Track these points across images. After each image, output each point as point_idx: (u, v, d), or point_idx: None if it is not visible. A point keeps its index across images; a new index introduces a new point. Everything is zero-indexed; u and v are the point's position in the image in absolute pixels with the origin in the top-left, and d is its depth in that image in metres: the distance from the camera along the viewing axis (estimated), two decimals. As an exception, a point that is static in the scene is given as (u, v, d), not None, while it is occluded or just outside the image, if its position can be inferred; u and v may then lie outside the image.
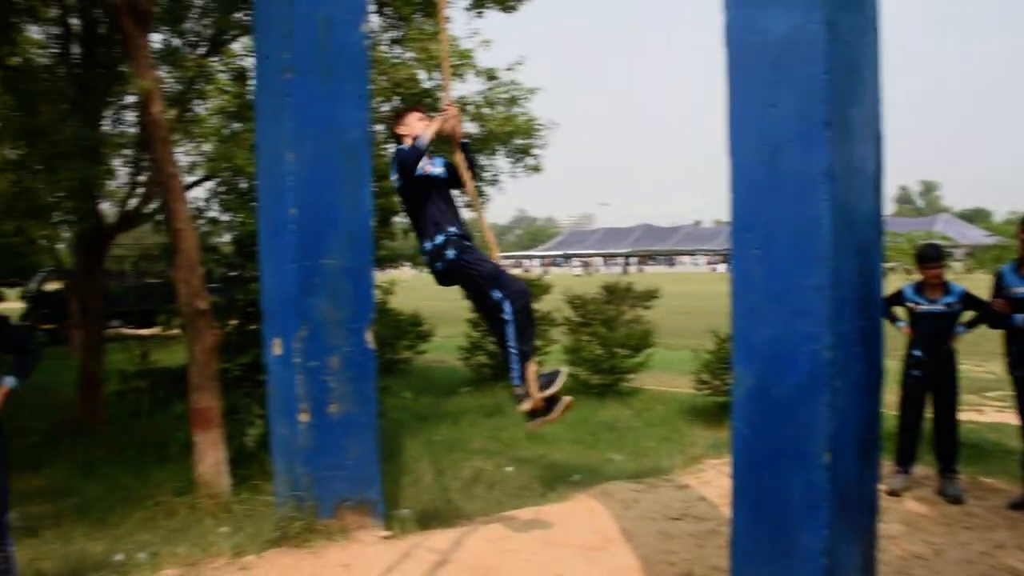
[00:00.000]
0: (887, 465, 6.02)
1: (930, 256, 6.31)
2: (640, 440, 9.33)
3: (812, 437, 3.01)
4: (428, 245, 4.39)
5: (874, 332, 3.26)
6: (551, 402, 4.38)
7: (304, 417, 4.90)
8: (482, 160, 11.44)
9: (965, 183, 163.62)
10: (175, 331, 11.94)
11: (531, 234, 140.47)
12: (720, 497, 5.74)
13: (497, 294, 4.29)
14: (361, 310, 5.06)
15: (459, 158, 4.43)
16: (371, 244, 5.19)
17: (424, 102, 9.12)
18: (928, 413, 6.37)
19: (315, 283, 4.88)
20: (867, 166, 3.19)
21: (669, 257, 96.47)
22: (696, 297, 31.55)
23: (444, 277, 4.46)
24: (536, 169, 11.86)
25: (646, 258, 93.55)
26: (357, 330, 5.04)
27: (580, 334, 12.51)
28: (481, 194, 4.82)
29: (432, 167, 4.49)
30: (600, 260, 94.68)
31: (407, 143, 4.45)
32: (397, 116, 4.72)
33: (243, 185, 9.20)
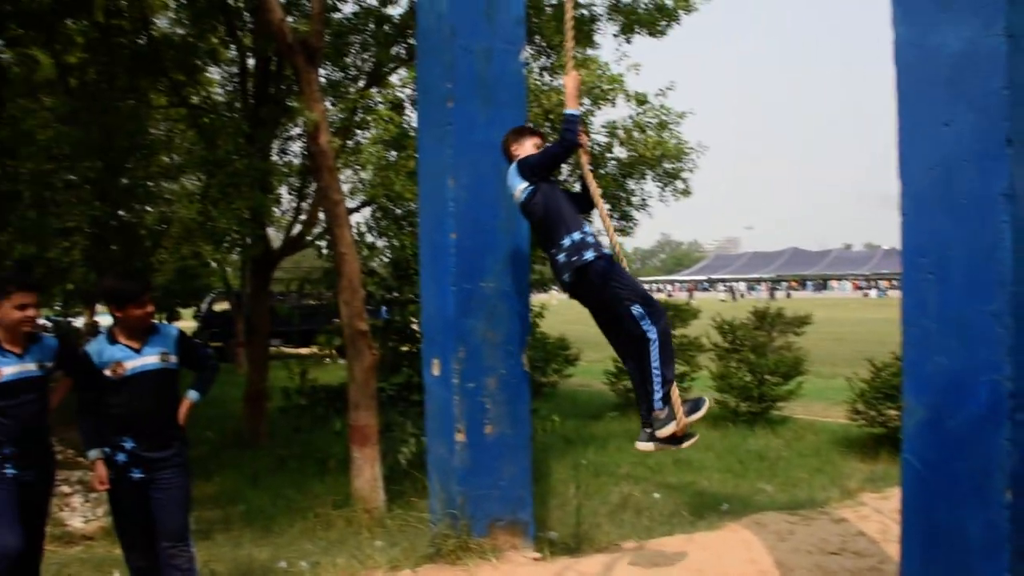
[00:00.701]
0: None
1: None
2: (791, 470, 9.05)
3: (991, 473, 2.83)
4: (566, 242, 4.20)
5: (1060, 362, 3.07)
6: (684, 434, 4.20)
7: (460, 437, 5.01)
8: (631, 185, 11.48)
9: None
10: (331, 351, 12.55)
11: (675, 258, 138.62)
12: (880, 533, 5.49)
13: (638, 310, 4.07)
14: (517, 332, 5.15)
15: (584, 159, 4.42)
16: (527, 268, 5.29)
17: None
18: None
19: (473, 305, 5.01)
20: (1052, 185, 3.02)
21: (820, 282, 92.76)
22: (848, 324, 30.25)
23: (576, 287, 4.25)
24: (686, 193, 11.81)
25: (796, 283, 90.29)
26: (513, 352, 5.13)
27: (728, 360, 12.28)
28: (612, 215, 4.74)
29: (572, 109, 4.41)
30: (744, 285, 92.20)
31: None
32: (515, 134, 4.68)
33: (399, 211, 9.59)
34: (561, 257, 4.25)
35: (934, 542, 3.06)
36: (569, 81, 4.46)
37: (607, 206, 11.77)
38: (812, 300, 59.69)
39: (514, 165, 4.49)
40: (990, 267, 2.82)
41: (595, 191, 4.48)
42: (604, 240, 4.51)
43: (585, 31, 11.26)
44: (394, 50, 10.98)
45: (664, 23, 11.55)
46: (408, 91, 10.78)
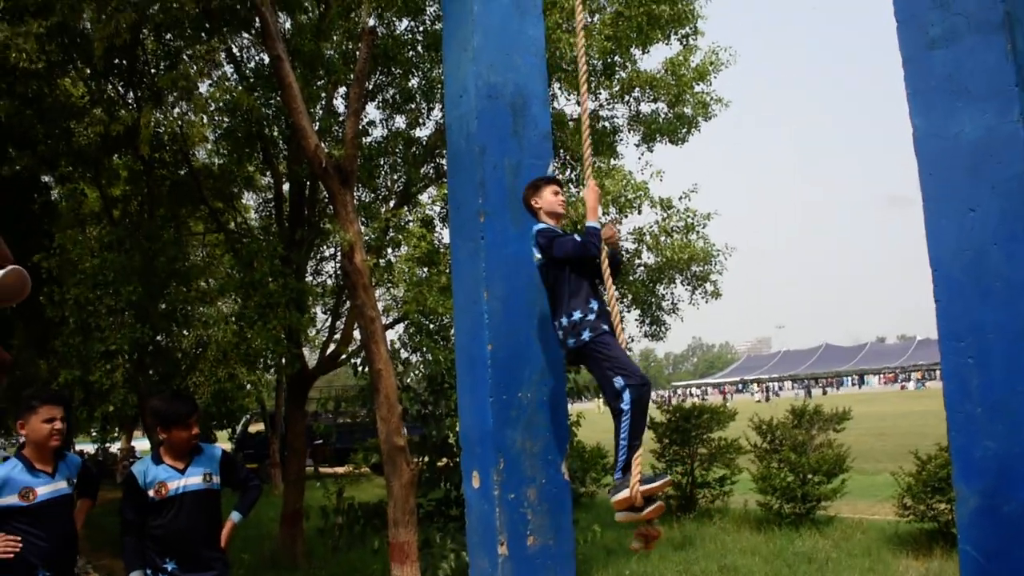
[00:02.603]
0: None
1: None
2: (841, 572, 8.76)
3: (1054, 558, 2.79)
4: (564, 321, 4.38)
5: (1112, 442, 3.04)
6: (648, 501, 4.25)
7: (503, 549, 4.95)
8: (661, 290, 11.59)
9: None
10: (366, 469, 12.48)
11: (707, 361, 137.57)
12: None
13: (620, 381, 4.16)
14: (557, 442, 5.15)
15: (605, 265, 4.45)
16: (563, 377, 5.33)
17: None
18: None
19: (511, 416, 5.03)
20: (1081, 264, 3.06)
21: (857, 376, 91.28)
22: (889, 417, 29.67)
23: (572, 356, 4.47)
24: (716, 295, 11.88)
25: (832, 380, 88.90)
26: (553, 462, 5.11)
27: (769, 461, 12.06)
28: (618, 287, 4.78)
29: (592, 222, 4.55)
30: (777, 384, 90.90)
31: (543, 218, 4.62)
32: (532, 187, 4.80)
33: (433, 325, 9.71)
34: (560, 334, 4.47)
35: (1000, 636, 2.97)
36: (589, 194, 4.62)
37: (636, 311, 11.90)
38: (849, 396, 58.71)
39: (533, 230, 4.64)
40: (1029, 347, 2.84)
41: (609, 284, 4.50)
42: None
43: (608, 142, 11.62)
44: (423, 169, 11.37)
45: (684, 131, 11.91)
46: (438, 208, 11.11)
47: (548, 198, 4.67)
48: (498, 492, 5.00)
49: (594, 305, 4.38)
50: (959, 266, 3.06)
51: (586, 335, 4.31)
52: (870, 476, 13.95)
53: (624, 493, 4.21)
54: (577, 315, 4.35)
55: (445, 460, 9.33)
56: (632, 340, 11.73)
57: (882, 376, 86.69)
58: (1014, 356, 2.88)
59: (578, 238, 4.46)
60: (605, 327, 4.34)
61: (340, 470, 19.68)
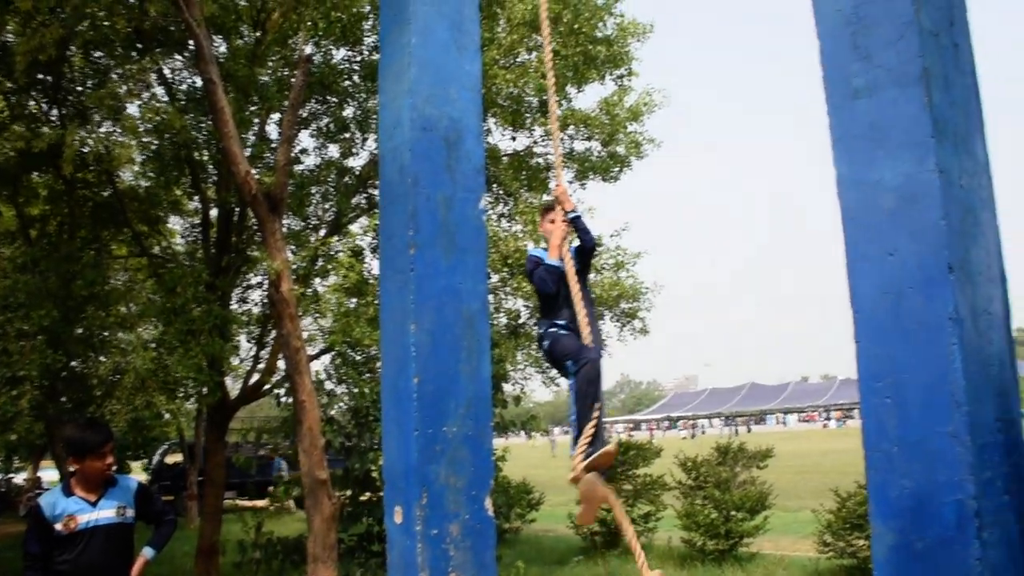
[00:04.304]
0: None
1: None
2: (765, 610, 8.84)
3: (964, 595, 2.85)
4: (537, 329, 4.92)
5: (1020, 481, 3.13)
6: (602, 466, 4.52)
7: (425, 586, 4.86)
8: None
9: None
10: (289, 502, 12.18)
11: (635, 398, 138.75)
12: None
13: (572, 366, 4.59)
14: (480, 477, 5.09)
15: (574, 289, 4.74)
16: (490, 411, 5.29)
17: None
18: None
19: (436, 451, 4.96)
20: (994, 308, 3.17)
21: (782, 414, 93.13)
22: (811, 455, 30.26)
23: (546, 359, 4.94)
24: (644, 331, 12.01)
25: (748, 417, 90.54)
26: (477, 497, 5.05)
27: (694, 498, 12.14)
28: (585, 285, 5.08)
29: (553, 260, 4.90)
30: (706, 421, 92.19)
31: (544, 246, 5.02)
32: (541, 213, 5.29)
33: (359, 357, 9.59)
34: (537, 336, 5.03)
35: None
36: (555, 229, 4.94)
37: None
38: (773, 433, 59.80)
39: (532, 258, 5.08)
40: (944, 389, 2.92)
41: (577, 300, 4.76)
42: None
43: (541, 179, 11.71)
44: (355, 199, 11.28)
45: (617, 169, 12.09)
46: (368, 239, 11.01)
47: (544, 226, 5.17)
48: (420, 527, 4.91)
49: (561, 320, 4.77)
50: (879, 308, 3.14)
51: (545, 344, 4.84)
52: (792, 513, 14.16)
53: (575, 472, 4.52)
54: (543, 327, 4.87)
55: (368, 494, 9.17)
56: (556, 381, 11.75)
57: (805, 414, 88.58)
58: (930, 397, 2.96)
59: (542, 273, 4.88)
60: (564, 332, 4.72)
61: (260, 503, 19.17)
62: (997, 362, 3.14)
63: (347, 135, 11.50)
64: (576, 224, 4.88)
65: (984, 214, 3.27)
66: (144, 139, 10.94)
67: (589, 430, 4.44)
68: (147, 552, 4.43)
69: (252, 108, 10.53)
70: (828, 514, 10.01)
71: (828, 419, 78.68)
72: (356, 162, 11.69)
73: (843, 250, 3.28)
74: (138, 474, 25.47)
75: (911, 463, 3.00)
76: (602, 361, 4.71)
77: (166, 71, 11.09)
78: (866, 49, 3.40)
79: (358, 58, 11.14)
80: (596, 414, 4.53)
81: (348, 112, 11.49)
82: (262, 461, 18.27)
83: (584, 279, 4.94)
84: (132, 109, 10.45)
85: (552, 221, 4.99)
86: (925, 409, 2.97)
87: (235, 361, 12.24)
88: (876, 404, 3.13)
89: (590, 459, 4.41)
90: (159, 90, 11.27)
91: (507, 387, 10.28)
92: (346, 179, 11.29)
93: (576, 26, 10.66)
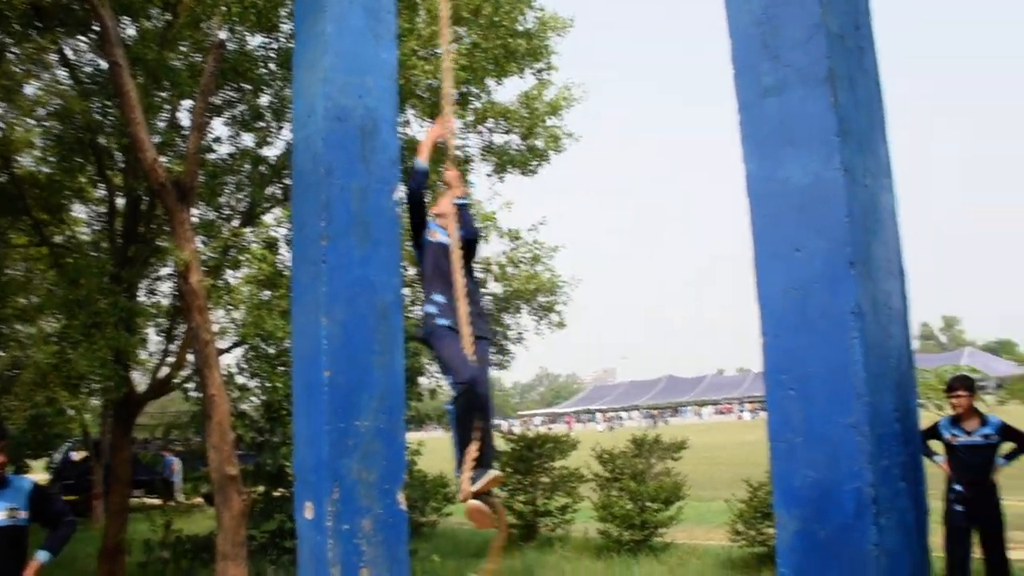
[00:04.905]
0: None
1: (955, 385, 6.33)
2: (678, 598, 9.01)
3: (862, 579, 2.94)
4: (420, 311, 4.63)
5: (916, 468, 3.25)
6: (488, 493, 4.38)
7: (336, 582, 4.79)
8: (507, 319, 11.66)
9: (987, 317, 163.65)
10: (198, 500, 11.87)
11: (554, 391, 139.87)
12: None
13: (452, 384, 4.38)
14: (393, 471, 5.04)
15: (455, 256, 4.56)
16: (403, 405, 5.24)
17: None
18: (976, 553, 6.16)
19: (348, 445, 4.89)
20: (893, 302, 3.27)
21: (698, 407, 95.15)
22: (726, 447, 31.01)
23: (425, 344, 4.59)
24: (560, 325, 12.08)
25: (666, 409, 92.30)
26: (389, 491, 4.99)
27: (610, 489, 12.29)
28: (472, 276, 4.90)
29: (439, 234, 4.76)
30: (625, 414, 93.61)
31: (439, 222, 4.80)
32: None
33: (272, 350, 9.38)
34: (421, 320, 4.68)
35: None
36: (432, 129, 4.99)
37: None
38: (689, 426, 61.08)
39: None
40: (846, 381, 3.01)
41: (458, 276, 4.60)
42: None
43: (459, 170, 11.64)
44: (269, 189, 11.02)
45: (536, 162, 12.12)
46: (284, 230, 10.78)
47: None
48: (332, 523, 4.83)
49: (440, 299, 4.53)
50: (785, 303, 3.21)
51: (425, 330, 4.54)
52: (706, 503, 14.47)
53: (461, 495, 4.38)
54: (426, 307, 4.57)
55: (281, 490, 9.00)
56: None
57: (721, 407, 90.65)
58: (833, 389, 3.04)
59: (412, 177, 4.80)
60: (444, 322, 4.47)
61: (168, 501, 18.63)
62: (896, 355, 3.24)
63: (262, 124, 11.21)
64: (460, 212, 4.75)
65: (886, 212, 3.37)
66: (45, 123, 10.46)
67: (474, 451, 4.32)
68: (41, 556, 4.25)
69: (162, 94, 10.18)
70: (740, 504, 10.26)
71: (743, 411, 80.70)
72: (271, 151, 11.41)
73: (752, 245, 3.34)
74: (39, 474, 24.46)
75: (814, 453, 3.07)
76: (487, 375, 4.51)
77: (68, 52, 10.61)
78: (775, 49, 3.45)
79: (274, 45, 10.87)
80: (479, 434, 4.39)
81: (264, 100, 11.21)
82: (155, 459, 17.78)
83: (469, 271, 4.75)
84: (29, 90, 9.98)
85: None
86: (828, 401, 3.05)
87: (143, 355, 11.85)
88: (781, 396, 3.19)
89: (476, 486, 4.32)
90: (62, 72, 10.80)
91: (423, 380, 10.21)
92: (260, 168, 11.01)
93: (496, 19, 10.63)
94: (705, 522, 13.02)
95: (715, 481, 17.57)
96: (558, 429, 32.33)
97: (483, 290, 11.45)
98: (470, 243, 4.74)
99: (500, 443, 13.24)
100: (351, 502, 4.88)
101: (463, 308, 4.50)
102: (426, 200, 4.79)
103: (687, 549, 11.52)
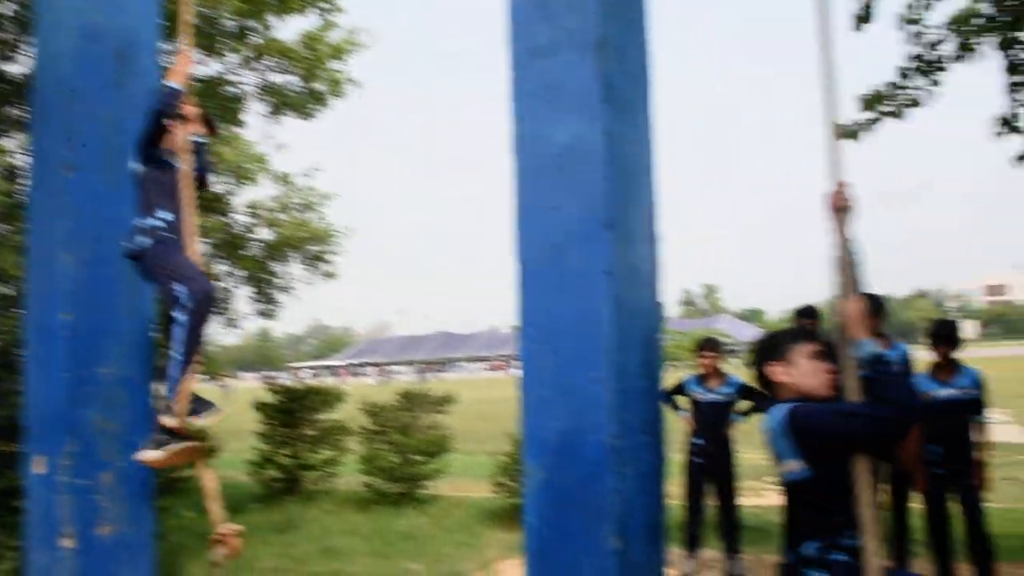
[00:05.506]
0: (677, 551, 6.30)
1: (703, 346, 6.90)
2: (438, 547, 9.19)
3: (601, 524, 3.10)
4: (135, 222, 4.10)
5: (657, 422, 3.47)
6: (190, 435, 4.11)
7: (68, 543, 4.46)
8: (275, 267, 11.27)
9: (746, 286, 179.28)
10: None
11: (327, 343, 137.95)
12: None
13: (179, 288, 3.93)
14: (140, 422, 4.73)
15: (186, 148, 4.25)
16: (151, 352, 4.92)
17: (214, 206, 8.91)
18: (712, 500, 6.78)
19: (88, 393, 4.54)
20: (645, 265, 3.45)
21: (472, 362, 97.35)
22: (496, 402, 31.94)
23: (134, 261, 4.14)
24: (330, 275, 11.83)
25: (439, 364, 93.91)
26: (133, 443, 4.69)
27: (375, 442, 12.29)
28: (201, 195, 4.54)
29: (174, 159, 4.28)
30: (398, 368, 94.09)
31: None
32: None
33: (9, 291, 8.50)
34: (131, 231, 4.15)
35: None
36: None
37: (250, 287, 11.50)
38: (461, 381, 62.40)
39: None
40: (594, 337, 3.15)
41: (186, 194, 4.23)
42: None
43: (232, 108, 11.03)
44: (10, 111, 9.88)
45: (315, 106, 11.70)
46: (24, 158, 9.73)
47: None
48: (66, 478, 4.49)
49: (168, 216, 4.10)
50: (541, 260, 3.30)
51: (146, 240, 4.03)
52: (473, 456, 14.82)
53: (170, 419, 3.99)
54: (150, 221, 4.05)
55: (15, 445, 8.21)
56: (243, 317, 11.31)
57: (493, 363, 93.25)
58: (581, 344, 3.17)
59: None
60: (171, 236, 4.07)
61: None
62: (644, 315, 3.43)
63: (3, 35, 10.00)
64: (197, 148, 4.34)
65: (643, 177, 3.53)
66: None
67: (192, 381, 4.02)
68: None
69: None
70: (503, 457, 10.60)
71: (514, 368, 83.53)
72: (13, 68, 10.22)
73: (513, 202, 3.40)
74: None
75: (562, 406, 3.20)
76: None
77: None
78: (551, 10, 3.49)
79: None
80: (200, 361, 4.08)
81: (7, 9, 10.00)
82: None
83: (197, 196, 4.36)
84: None
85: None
86: (577, 356, 3.18)
87: None
88: (534, 351, 3.30)
89: (201, 420, 4.06)
90: None
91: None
92: (1, 85, 9.84)
93: (279, -48, 10.10)
94: (471, 475, 13.34)
95: (482, 435, 18.04)
96: (330, 382, 31.99)
97: (251, 235, 10.98)
98: (200, 180, 4.39)
99: (263, 395, 12.89)
100: (90, 456, 4.56)
101: (191, 229, 4.20)
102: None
103: (452, 501, 11.78)
